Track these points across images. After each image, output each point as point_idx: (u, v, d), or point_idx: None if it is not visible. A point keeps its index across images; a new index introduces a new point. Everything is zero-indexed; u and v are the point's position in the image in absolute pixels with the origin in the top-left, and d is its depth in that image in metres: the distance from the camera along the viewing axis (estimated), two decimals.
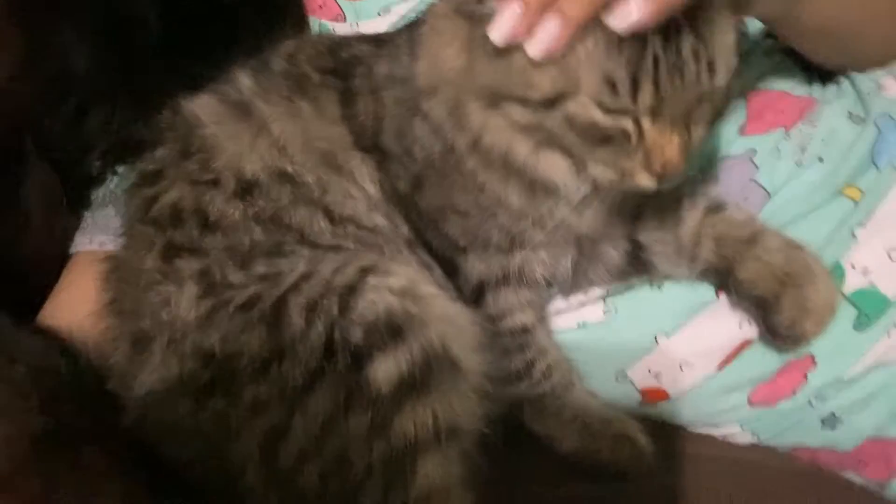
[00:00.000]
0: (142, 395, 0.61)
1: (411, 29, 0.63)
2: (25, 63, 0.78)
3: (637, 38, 0.48)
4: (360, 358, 0.55)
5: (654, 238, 0.67)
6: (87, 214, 0.79)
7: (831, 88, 0.73)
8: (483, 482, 0.59)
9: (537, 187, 0.57)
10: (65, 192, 0.81)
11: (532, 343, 0.66)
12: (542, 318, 0.68)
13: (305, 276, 0.57)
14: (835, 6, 0.65)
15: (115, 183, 0.79)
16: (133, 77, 0.75)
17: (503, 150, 0.56)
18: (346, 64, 0.65)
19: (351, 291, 0.56)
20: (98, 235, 0.77)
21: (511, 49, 0.50)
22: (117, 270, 0.67)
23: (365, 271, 0.57)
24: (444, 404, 0.56)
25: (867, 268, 0.64)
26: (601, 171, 0.53)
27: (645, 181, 0.52)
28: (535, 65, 0.50)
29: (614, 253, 0.67)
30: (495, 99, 0.54)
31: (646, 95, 0.49)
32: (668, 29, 0.48)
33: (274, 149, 0.63)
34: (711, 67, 0.50)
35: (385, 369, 0.54)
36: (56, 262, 0.79)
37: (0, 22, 0.77)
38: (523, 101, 0.52)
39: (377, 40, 0.66)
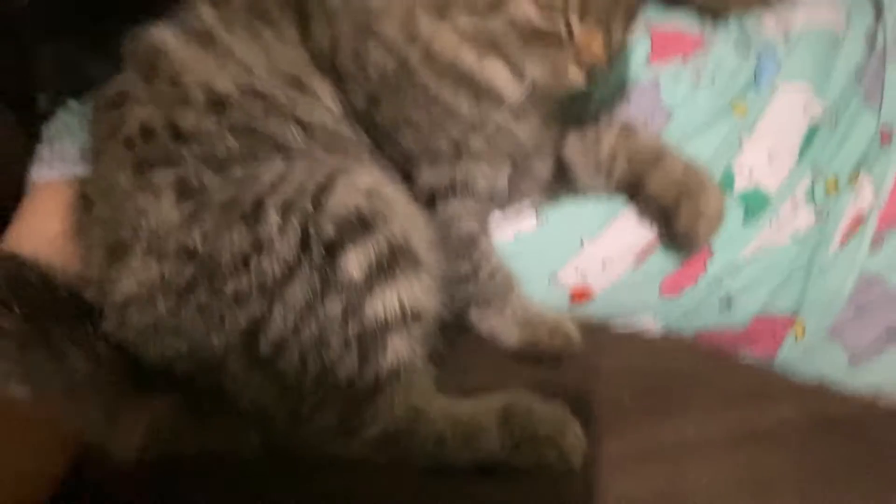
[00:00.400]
0: (121, 301, 0.64)
1: None
2: None
3: None
4: (333, 250, 0.60)
5: (576, 155, 0.76)
6: (44, 146, 0.81)
7: (720, 27, 0.84)
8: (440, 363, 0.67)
9: (482, 94, 0.65)
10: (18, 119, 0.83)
11: (477, 248, 0.73)
12: (486, 228, 0.75)
13: (281, 177, 0.62)
14: None
15: (68, 115, 0.81)
16: (80, 16, 0.78)
17: (451, 58, 0.64)
18: None
19: (323, 190, 0.61)
20: (57, 165, 0.79)
21: None
22: (88, 189, 0.69)
23: (334, 173, 0.62)
24: (407, 290, 0.62)
25: (752, 169, 0.76)
26: (538, 70, 0.62)
27: (575, 76, 0.62)
28: None
29: (543, 168, 0.75)
30: (443, 8, 0.62)
31: None
32: None
33: (241, 70, 0.67)
34: None
35: (356, 259, 0.60)
36: (14, 192, 0.81)
37: None
38: (469, 7, 0.61)
39: None
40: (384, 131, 0.69)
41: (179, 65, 0.67)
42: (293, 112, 0.67)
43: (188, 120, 0.65)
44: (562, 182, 0.77)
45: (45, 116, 0.82)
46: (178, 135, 0.65)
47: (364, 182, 0.63)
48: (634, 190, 0.75)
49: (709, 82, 0.79)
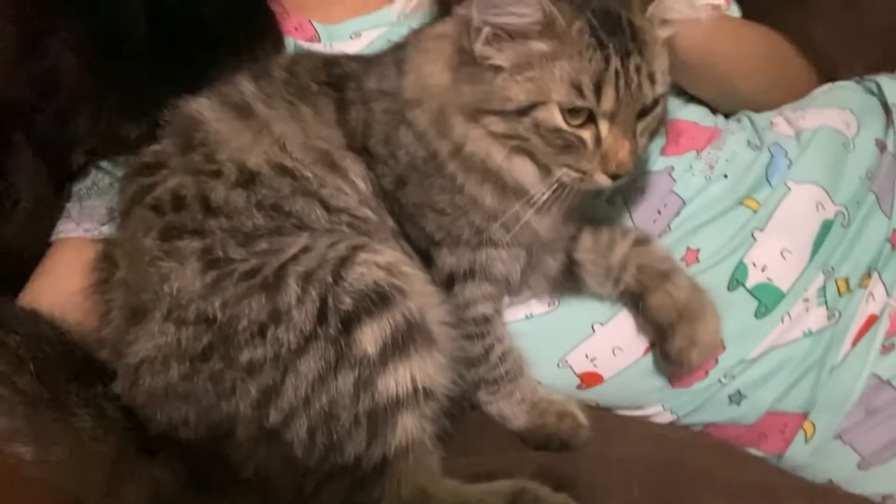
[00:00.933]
0: (135, 363, 0.65)
1: (395, 50, 0.72)
2: (18, 58, 0.83)
3: (602, 54, 0.60)
4: (349, 323, 0.61)
5: (587, 258, 0.77)
6: (73, 203, 0.83)
7: (733, 122, 0.87)
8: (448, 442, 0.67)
9: (508, 189, 0.67)
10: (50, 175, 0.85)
11: (491, 331, 0.74)
12: (500, 312, 0.76)
13: (304, 250, 0.63)
14: (704, 53, 0.79)
15: (99, 176, 0.84)
16: (120, 80, 0.80)
17: (482, 156, 0.66)
18: (339, 78, 0.72)
19: (343, 263, 0.62)
20: (84, 223, 0.81)
21: (492, 72, 0.62)
22: (112, 250, 0.71)
23: (356, 248, 0.64)
24: (421, 367, 0.62)
25: (765, 265, 0.77)
26: (565, 172, 0.64)
27: (602, 180, 0.64)
28: (515, 82, 0.62)
29: (554, 265, 0.77)
30: (476, 114, 0.65)
31: (608, 99, 0.61)
32: (621, 50, 0.61)
33: (275, 146, 0.69)
34: (652, 79, 0.63)
35: (371, 333, 0.61)
36: (39, 247, 0.83)
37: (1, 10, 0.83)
38: (501, 113, 0.63)
39: (364, 60, 0.74)
40: (408, 213, 0.71)
41: (215, 138, 0.70)
42: (319, 192, 0.69)
43: (218, 193, 0.67)
44: (569, 280, 0.79)
45: (77, 174, 0.84)
46: (207, 207, 0.67)
47: (384, 258, 0.64)
48: (636, 300, 0.76)
49: (721, 176, 0.81)
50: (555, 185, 0.65)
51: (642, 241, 0.77)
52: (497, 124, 0.65)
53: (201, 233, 0.66)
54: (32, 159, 0.84)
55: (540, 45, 0.62)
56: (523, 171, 0.67)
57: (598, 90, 0.61)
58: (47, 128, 0.82)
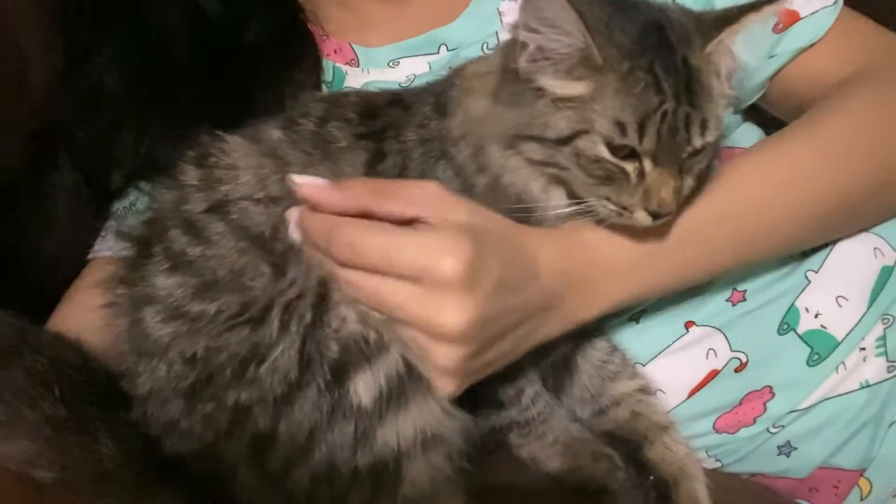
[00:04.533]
0: (143, 395, 0.64)
1: (436, 93, 0.68)
2: (64, 73, 0.84)
3: (652, 94, 0.57)
4: (339, 373, 0.58)
5: (587, 369, 0.72)
6: (109, 224, 0.84)
7: None
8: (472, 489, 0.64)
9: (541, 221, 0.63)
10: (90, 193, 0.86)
11: (522, 372, 0.69)
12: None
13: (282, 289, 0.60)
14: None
15: (137, 197, 0.83)
16: (163, 102, 0.80)
17: (520, 188, 0.62)
18: (379, 130, 0.67)
19: (322, 301, 0.58)
20: (120, 242, 0.80)
21: (533, 94, 0.59)
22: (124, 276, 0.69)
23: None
24: (423, 414, 0.59)
25: (819, 312, 0.72)
26: (603, 205, 0.60)
27: (641, 218, 0.59)
28: (556, 108, 0.59)
29: (563, 346, 0.71)
30: (514, 140, 0.61)
31: (649, 140, 0.57)
32: (674, 92, 0.57)
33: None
34: (704, 126, 0.59)
35: (364, 384, 0.58)
36: (75, 267, 0.83)
37: (47, 28, 0.84)
38: (540, 140, 0.60)
39: (405, 105, 0.69)
40: None
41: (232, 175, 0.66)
42: None
43: (212, 229, 0.63)
44: (560, 371, 0.73)
45: (116, 194, 0.85)
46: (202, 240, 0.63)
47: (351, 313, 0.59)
48: (629, 450, 0.70)
49: None
50: (583, 207, 0.61)
51: (647, 390, 0.72)
52: (536, 151, 0.61)
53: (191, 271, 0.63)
54: (73, 177, 0.85)
55: (583, 73, 0.58)
56: (558, 200, 0.63)
57: (641, 130, 0.57)
58: (89, 147, 0.83)
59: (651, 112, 0.57)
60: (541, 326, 0.61)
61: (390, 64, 0.84)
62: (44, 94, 0.86)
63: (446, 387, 0.57)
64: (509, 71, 0.61)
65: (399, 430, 0.58)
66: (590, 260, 0.63)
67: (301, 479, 0.58)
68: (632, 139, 0.58)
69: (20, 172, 0.87)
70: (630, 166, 0.59)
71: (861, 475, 0.70)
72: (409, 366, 0.58)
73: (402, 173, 0.66)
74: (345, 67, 0.84)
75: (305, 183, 0.58)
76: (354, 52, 0.85)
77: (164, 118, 0.80)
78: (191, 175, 0.66)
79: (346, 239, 0.55)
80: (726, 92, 0.62)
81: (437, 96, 0.68)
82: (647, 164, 0.59)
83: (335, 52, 0.85)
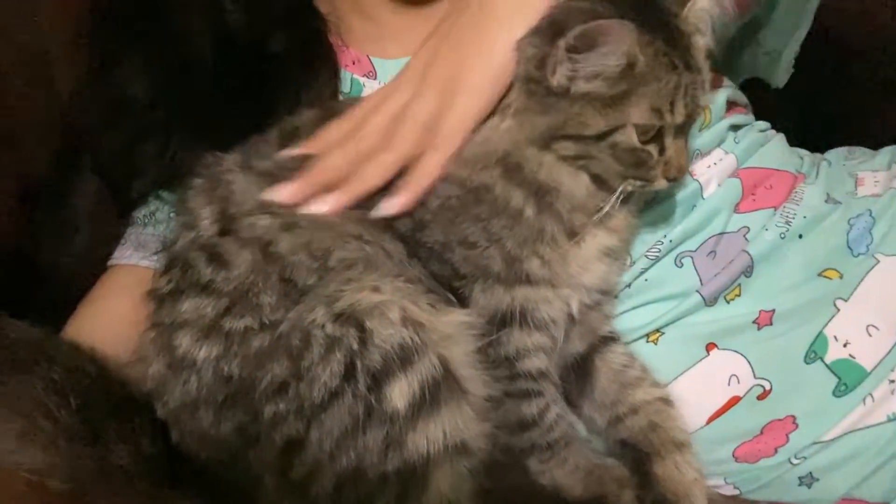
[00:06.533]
0: (175, 407, 0.65)
1: None
2: (91, 81, 0.85)
3: (675, 73, 0.62)
4: (379, 380, 0.59)
5: (606, 373, 0.72)
6: (131, 230, 0.84)
7: (812, 167, 0.81)
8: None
9: (565, 206, 0.66)
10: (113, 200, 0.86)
11: (545, 389, 0.68)
12: (553, 367, 0.70)
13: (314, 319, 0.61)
14: None
15: (158, 205, 0.84)
16: (187, 111, 0.80)
17: (555, 183, 0.65)
18: None
19: (363, 329, 0.60)
20: (139, 251, 0.82)
21: (567, 100, 0.62)
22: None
23: (369, 308, 0.61)
24: (452, 422, 0.60)
25: (848, 341, 0.70)
26: (630, 182, 0.65)
27: (662, 185, 0.66)
28: (593, 108, 0.62)
29: (577, 346, 0.72)
30: (549, 140, 0.64)
31: (679, 115, 0.63)
32: (683, 63, 0.62)
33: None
34: (703, 86, 0.65)
35: (400, 390, 0.59)
36: (95, 270, 0.83)
37: (74, 35, 0.85)
38: (576, 137, 0.63)
39: None
40: (431, 251, 0.67)
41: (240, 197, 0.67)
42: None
43: (231, 255, 0.65)
44: (577, 379, 0.73)
45: (137, 202, 0.85)
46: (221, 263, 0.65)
47: (396, 312, 0.61)
48: (637, 461, 0.69)
49: (797, 236, 0.74)
50: (619, 194, 0.66)
51: (668, 401, 0.71)
52: (569, 148, 0.64)
53: (212, 292, 0.64)
54: (96, 183, 0.85)
55: (621, 77, 0.61)
56: (581, 186, 0.66)
57: (672, 108, 0.63)
58: (112, 155, 0.84)
59: (676, 89, 0.62)
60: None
61: None
62: (69, 101, 0.86)
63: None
64: (535, 82, 0.63)
65: (430, 435, 0.59)
66: None
67: (325, 486, 0.59)
68: (667, 119, 0.63)
69: (44, 177, 0.88)
70: (653, 148, 0.64)
71: None
72: (445, 368, 0.60)
73: None
74: (362, 79, 0.84)
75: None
76: (372, 65, 0.85)
77: (187, 128, 0.80)
78: (199, 202, 0.67)
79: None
80: (709, 46, 0.66)
81: None
82: (668, 140, 0.63)
83: (353, 64, 0.85)
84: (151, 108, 0.81)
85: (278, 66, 0.81)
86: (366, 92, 0.83)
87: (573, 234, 0.67)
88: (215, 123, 0.76)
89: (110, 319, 0.76)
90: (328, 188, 0.66)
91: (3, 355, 0.66)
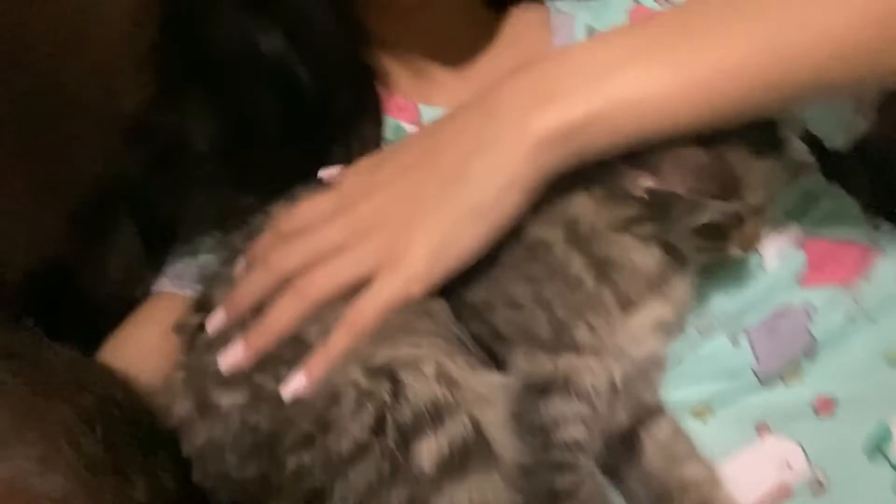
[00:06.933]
0: (198, 446, 0.65)
1: None
2: (148, 114, 0.83)
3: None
4: (407, 436, 0.58)
5: (653, 447, 0.68)
6: (170, 260, 0.83)
7: (890, 238, 0.77)
8: None
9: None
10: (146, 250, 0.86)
11: (582, 462, 0.65)
12: (594, 438, 0.67)
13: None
14: None
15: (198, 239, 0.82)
16: (243, 169, 0.79)
17: (622, 260, 0.64)
18: None
19: (395, 381, 0.59)
20: (175, 280, 0.81)
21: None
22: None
23: (404, 362, 0.60)
24: (479, 489, 0.58)
25: None
26: (705, 256, 0.65)
27: (738, 254, 0.65)
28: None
29: (622, 418, 0.68)
30: (631, 224, 0.63)
31: (760, 195, 0.63)
32: None
33: None
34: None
35: (429, 449, 0.57)
36: (122, 310, 0.82)
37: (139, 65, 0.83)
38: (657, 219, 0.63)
39: None
40: (474, 310, 0.65)
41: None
42: None
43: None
44: (623, 455, 0.69)
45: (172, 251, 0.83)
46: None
47: (430, 368, 0.59)
48: None
49: (867, 319, 0.70)
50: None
51: (719, 481, 0.67)
52: (648, 230, 0.63)
53: None
54: (130, 239, 0.85)
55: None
56: (651, 261, 0.65)
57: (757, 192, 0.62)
58: (157, 206, 0.83)
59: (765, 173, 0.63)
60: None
61: None
62: (129, 128, 0.85)
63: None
64: None
65: (455, 499, 0.56)
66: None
67: None
68: (754, 200, 0.63)
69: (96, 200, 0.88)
70: (732, 226, 0.63)
71: None
72: (477, 431, 0.58)
73: None
74: (407, 126, 0.83)
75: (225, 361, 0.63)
76: (418, 111, 0.84)
77: (239, 183, 0.78)
78: (241, 242, 0.68)
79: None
80: None
81: None
82: (748, 219, 0.64)
83: (398, 110, 0.84)
84: (205, 160, 0.80)
85: (334, 121, 0.81)
86: None
87: (629, 304, 0.64)
88: (266, 176, 0.76)
89: (143, 347, 0.76)
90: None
91: (36, 377, 0.66)
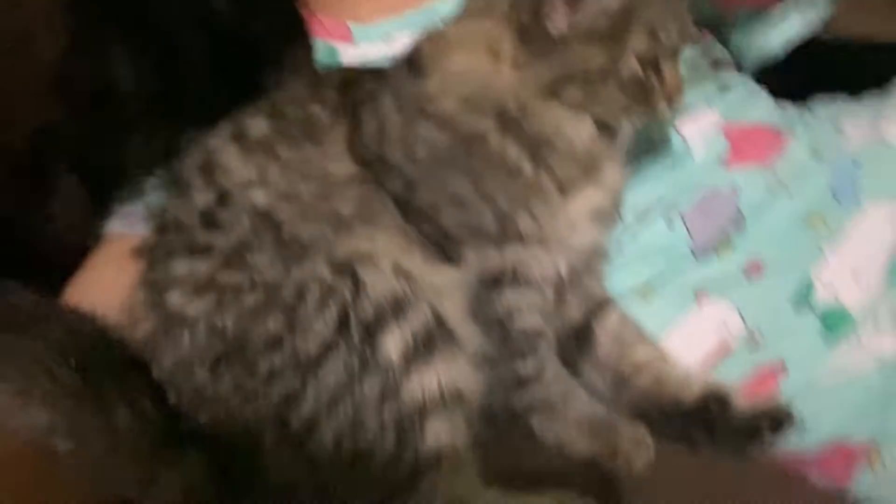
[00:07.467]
0: (169, 367, 0.65)
1: (409, 58, 0.70)
2: (68, 60, 0.81)
3: None
4: (372, 332, 0.60)
5: (605, 338, 0.72)
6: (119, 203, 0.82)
7: (797, 120, 0.83)
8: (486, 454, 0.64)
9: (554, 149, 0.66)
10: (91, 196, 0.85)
11: (541, 345, 0.68)
12: (549, 324, 0.70)
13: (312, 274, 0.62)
14: None
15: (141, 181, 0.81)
16: (174, 103, 0.79)
17: (555, 135, 0.65)
18: (356, 102, 0.69)
19: (356, 280, 0.61)
20: (125, 220, 0.81)
21: (568, 42, 0.63)
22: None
23: (365, 258, 0.62)
24: (445, 371, 0.61)
25: (834, 285, 0.73)
26: (635, 117, 0.66)
27: (665, 113, 0.67)
28: (595, 46, 0.63)
29: (575, 313, 0.72)
30: (554, 87, 0.64)
31: (672, 38, 0.64)
32: None
33: (281, 176, 0.66)
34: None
35: (394, 340, 0.60)
36: (77, 255, 0.82)
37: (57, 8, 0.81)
38: (582, 80, 0.64)
39: (380, 75, 0.70)
40: (422, 213, 0.67)
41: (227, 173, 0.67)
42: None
43: (228, 220, 0.65)
44: (576, 346, 0.73)
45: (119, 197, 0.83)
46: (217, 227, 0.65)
47: (388, 263, 0.62)
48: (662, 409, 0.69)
49: (785, 190, 0.77)
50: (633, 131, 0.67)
51: (666, 357, 0.72)
52: (575, 94, 0.64)
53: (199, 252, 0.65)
54: (72, 187, 0.84)
55: (616, 6, 0.63)
56: (583, 133, 0.66)
57: (667, 31, 0.64)
58: (94, 151, 0.82)
59: (669, 13, 0.64)
60: None
61: (383, 38, 0.84)
62: (47, 87, 0.83)
63: None
64: (529, 31, 0.64)
65: (424, 383, 0.59)
66: None
67: (324, 437, 0.59)
68: (663, 43, 0.64)
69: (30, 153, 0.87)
70: (651, 76, 0.64)
71: (873, 448, 0.71)
72: (438, 320, 0.60)
73: (380, 136, 0.67)
74: (338, 44, 0.84)
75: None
76: (348, 28, 0.85)
77: (173, 117, 0.79)
78: (192, 174, 0.68)
79: None
80: None
81: (410, 60, 0.69)
82: (664, 66, 0.65)
83: (326, 31, 0.85)
84: (135, 99, 0.80)
85: (259, 47, 0.81)
86: (343, 56, 0.84)
87: (567, 188, 0.67)
88: (202, 110, 0.75)
89: (102, 287, 0.76)
90: None
91: (1, 316, 0.66)
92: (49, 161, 0.87)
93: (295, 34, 0.84)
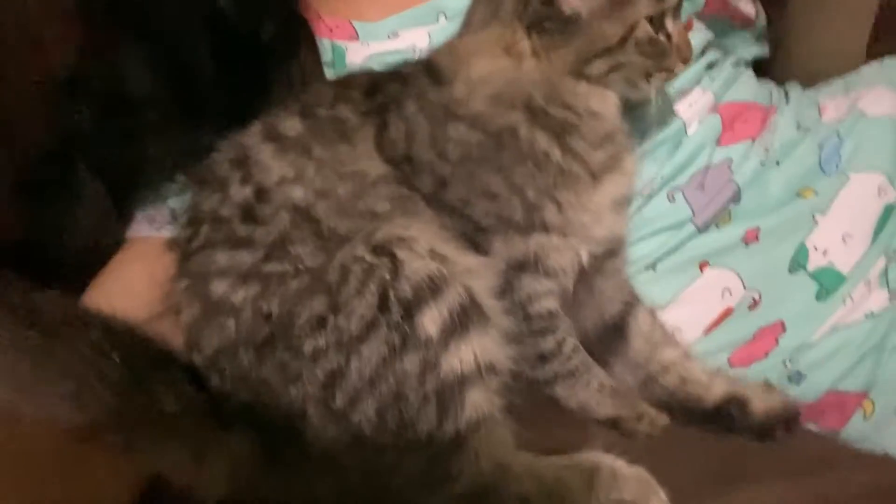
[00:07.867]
0: (211, 353, 0.67)
1: (427, 66, 0.73)
2: (80, 67, 0.83)
3: None
4: (410, 310, 0.63)
5: (638, 337, 0.76)
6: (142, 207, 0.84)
7: (780, 97, 0.89)
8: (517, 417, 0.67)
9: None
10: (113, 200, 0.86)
11: (559, 325, 0.72)
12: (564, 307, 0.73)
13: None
14: None
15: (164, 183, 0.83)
16: (187, 110, 0.81)
17: (586, 112, 0.70)
18: (381, 105, 0.72)
19: (394, 260, 0.64)
20: (150, 224, 0.83)
21: (579, 23, 0.67)
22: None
23: (401, 241, 0.65)
24: (480, 344, 0.64)
25: (826, 249, 0.78)
26: (655, 79, 0.70)
27: (680, 68, 0.71)
28: (605, 19, 0.67)
29: (612, 304, 0.76)
30: (581, 65, 0.69)
31: None
32: None
33: (316, 173, 0.69)
34: None
35: (431, 317, 0.62)
36: (100, 258, 0.84)
37: (64, 14, 0.83)
38: (603, 52, 0.68)
39: (402, 79, 0.73)
40: (453, 208, 0.70)
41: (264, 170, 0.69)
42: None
43: (267, 215, 0.68)
44: (609, 339, 0.77)
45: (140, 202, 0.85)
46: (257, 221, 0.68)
47: (424, 246, 0.65)
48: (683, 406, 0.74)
49: (774, 163, 0.82)
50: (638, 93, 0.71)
51: (690, 356, 0.76)
52: (600, 66, 0.69)
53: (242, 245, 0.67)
54: (93, 188, 0.85)
55: None
56: (611, 107, 0.71)
57: None
58: (114, 155, 0.83)
59: None
60: None
61: (389, 36, 0.86)
62: (63, 90, 0.84)
63: None
64: (542, 18, 0.68)
65: (462, 356, 0.62)
66: None
67: (368, 412, 0.62)
68: (667, 2, 0.67)
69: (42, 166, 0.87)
70: (661, 35, 0.68)
71: (865, 397, 0.77)
72: (471, 297, 0.64)
73: (409, 139, 0.70)
74: (344, 43, 0.86)
75: None
76: (353, 27, 0.87)
77: (189, 120, 0.80)
78: (226, 168, 0.70)
79: None
80: None
81: (428, 71, 0.72)
82: (670, 25, 0.69)
83: (331, 31, 0.87)
84: (149, 104, 0.81)
85: (268, 50, 0.83)
86: (350, 55, 0.86)
87: (596, 175, 0.70)
88: (214, 113, 0.78)
89: (129, 286, 0.78)
90: None
91: (38, 321, 0.67)
92: (68, 167, 0.86)
93: (299, 36, 0.86)
